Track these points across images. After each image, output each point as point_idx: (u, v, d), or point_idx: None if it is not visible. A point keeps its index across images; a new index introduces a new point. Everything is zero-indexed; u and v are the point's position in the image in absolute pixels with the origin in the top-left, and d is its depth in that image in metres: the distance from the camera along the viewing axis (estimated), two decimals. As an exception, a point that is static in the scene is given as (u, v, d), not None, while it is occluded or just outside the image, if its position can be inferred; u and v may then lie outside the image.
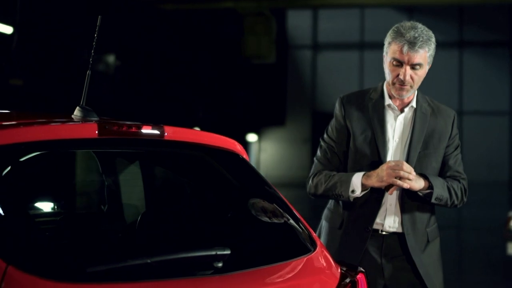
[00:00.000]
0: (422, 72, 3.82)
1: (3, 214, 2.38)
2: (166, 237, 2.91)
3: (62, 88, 16.91)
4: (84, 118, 3.00)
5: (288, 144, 29.02)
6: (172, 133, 2.94)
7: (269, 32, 25.79)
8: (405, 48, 3.73)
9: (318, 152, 4.03)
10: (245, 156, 3.28)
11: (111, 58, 21.68)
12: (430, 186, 3.82)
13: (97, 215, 3.62)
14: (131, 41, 20.86)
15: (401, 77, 3.76)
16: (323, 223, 4.08)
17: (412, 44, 3.73)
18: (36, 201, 2.78)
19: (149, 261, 2.44)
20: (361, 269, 3.14)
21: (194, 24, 23.03)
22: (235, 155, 3.21)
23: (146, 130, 2.86)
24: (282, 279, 2.78)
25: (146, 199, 3.91)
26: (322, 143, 4.03)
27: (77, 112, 3.05)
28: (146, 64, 21.31)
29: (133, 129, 2.82)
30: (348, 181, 3.81)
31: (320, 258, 2.99)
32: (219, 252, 2.62)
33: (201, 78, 23.35)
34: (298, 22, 29.19)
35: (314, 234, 3.12)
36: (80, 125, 2.80)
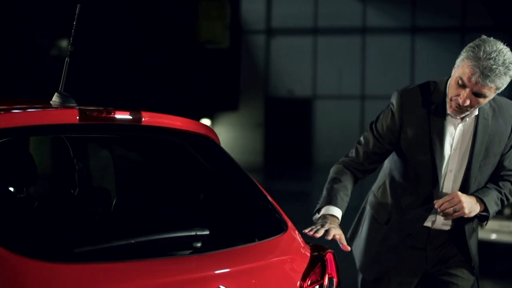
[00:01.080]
0: (485, 101, 3.55)
1: None
2: (143, 219, 3.01)
3: (11, 75, 16.79)
4: (63, 104, 3.08)
5: (242, 129, 29.12)
6: (149, 118, 3.04)
7: (224, 17, 25.86)
8: (474, 78, 3.43)
9: (362, 139, 3.81)
10: (217, 140, 3.39)
11: (64, 43, 21.57)
12: (485, 209, 3.70)
13: (70, 198, 3.70)
14: (85, 26, 20.76)
15: (459, 100, 3.52)
16: (367, 209, 4.02)
17: (484, 76, 3.42)
18: (13, 185, 2.86)
19: (133, 241, 2.55)
20: (330, 249, 3.27)
21: (148, 9, 22.96)
22: (208, 140, 3.32)
23: (125, 116, 2.96)
24: (256, 258, 2.91)
25: (117, 183, 4.01)
26: (368, 133, 3.81)
27: (55, 98, 3.13)
28: (100, 48, 21.22)
29: (112, 115, 2.92)
30: (325, 203, 3.64)
31: (291, 238, 3.12)
32: (198, 233, 2.74)
33: (155, 63, 23.30)
34: (252, 7, 29.23)
35: (285, 215, 3.24)
36: (61, 111, 2.88)
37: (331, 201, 3.62)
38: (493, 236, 9.90)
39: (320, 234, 3.29)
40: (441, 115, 3.67)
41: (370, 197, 4.02)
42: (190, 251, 2.74)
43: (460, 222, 3.80)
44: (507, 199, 3.81)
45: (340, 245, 3.33)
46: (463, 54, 3.51)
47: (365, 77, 29.26)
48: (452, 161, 3.71)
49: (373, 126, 3.80)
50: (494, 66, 3.41)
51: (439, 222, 3.80)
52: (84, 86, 20.09)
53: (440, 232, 3.83)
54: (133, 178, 3.81)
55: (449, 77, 3.66)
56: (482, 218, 3.80)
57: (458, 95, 3.52)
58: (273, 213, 3.19)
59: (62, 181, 4.01)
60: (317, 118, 29.71)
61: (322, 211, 3.59)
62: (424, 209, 3.77)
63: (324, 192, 3.71)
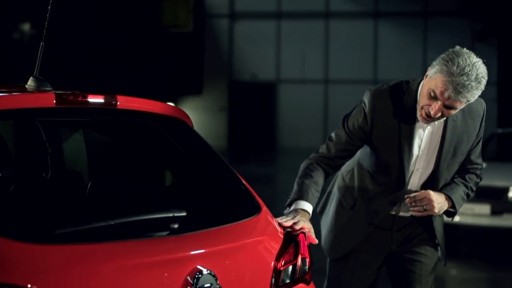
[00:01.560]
0: (455, 111, 3.61)
1: None
2: (119, 201, 3.05)
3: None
4: (38, 88, 3.10)
5: (205, 113, 29.12)
6: (123, 102, 3.07)
7: (187, 1, 25.77)
8: (447, 93, 3.47)
9: (333, 136, 3.87)
10: (190, 123, 3.43)
11: (26, 26, 21.38)
12: (453, 206, 3.83)
13: (43, 182, 3.73)
14: (46, 9, 20.61)
15: (431, 111, 3.56)
16: (335, 190, 4.12)
17: (457, 92, 3.45)
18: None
19: (112, 223, 2.60)
20: (302, 230, 3.33)
21: (112, -8, 22.84)
22: (181, 122, 3.36)
23: (100, 100, 2.99)
24: (231, 239, 2.97)
25: (89, 167, 4.04)
26: (340, 130, 3.87)
27: (30, 82, 3.15)
28: (62, 32, 21.07)
29: (88, 99, 2.95)
30: (297, 197, 3.67)
31: (265, 220, 3.18)
32: (176, 214, 2.80)
33: (119, 47, 23.19)
34: (215, -10, 29.22)
35: (258, 197, 3.30)
36: (38, 95, 2.91)
37: (302, 196, 3.65)
38: (457, 219, 10.04)
39: (289, 224, 3.32)
40: (411, 119, 3.73)
41: (339, 179, 4.11)
42: (167, 232, 2.79)
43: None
44: (472, 191, 3.94)
45: (307, 239, 3.34)
46: (436, 67, 3.52)
47: (328, 62, 29.38)
48: (420, 161, 3.81)
49: (345, 123, 3.86)
50: (467, 82, 3.43)
51: (403, 211, 3.93)
52: (49, 69, 19.99)
53: (404, 218, 3.96)
54: (107, 162, 3.84)
55: (421, 79, 3.71)
56: (449, 214, 3.90)
57: (430, 105, 3.56)
58: (246, 195, 3.25)
59: (34, 165, 4.02)
60: (281, 102, 29.80)
61: (293, 206, 3.63)
62: (389, 201, 3.89)
63: (295, 187, 3.73)
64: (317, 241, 3.41)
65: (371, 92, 3.79)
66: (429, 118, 3.62)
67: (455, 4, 27.33)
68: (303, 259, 3.23)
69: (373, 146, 3.84)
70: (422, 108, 3.62)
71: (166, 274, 2.62)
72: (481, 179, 4.00)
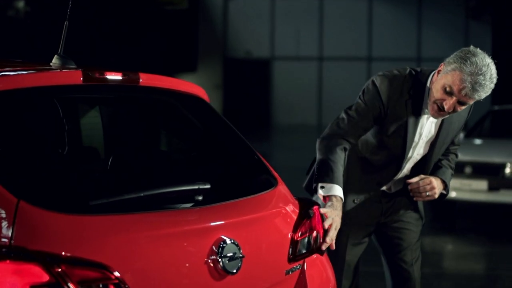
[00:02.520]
0: (463, 107, 3.79)
1: (10, 154, 2.62)
2: (142, 175, 3.17)
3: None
4: (63, 66, 3.21)
5: (200, 90, 29.13)
6: (146, 79, 3.19)
7: (182, -23, 25.74)
8: (464, 91, 3.64)
9: (344, 115, 3.95)
10: (207, 100, 3.55)
11: (20, 4, 21.37)
12: (445, 188, 4.07)
13: (63, 157, 3.85)
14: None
15: (445, 106, 3.73)
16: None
17: (474, 90, 3.63)
18: (24, 143, 2.99)
19: (142, 195, 2.72)
20: (316, 202, 3.47)
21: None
22: (199, 100, 3.48)
23: (124, 77, 3.10)
24: (252, 211, 3.10)
25: (105, 142, 4.16)
26: (353, 110, 3.94)
27: (55, 60, 3.26)
28: (56, 10, 21.07)
29: (113, 76, 3.06)
30: (332, 180, 3.72)
31: (282, 193, 3.31)
32: (201, 186, 2.92)
33: (114, 24, 23.19)
34: (210, -33, 29.20)
35: (275, 172, 3.43)
36: (66, 73, 3.02)
37: (334, 179, 3.74)
38: (454, 194, 10.20)
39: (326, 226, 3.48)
40: (418, 107, 3.91)
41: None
42: (192, 204, 2.92)
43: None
44: (454, 171, 4.23)
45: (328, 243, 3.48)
46: (453, 65, 3.68)
47: (322, 39, 29.45)
48: (419, 148, 4.04)
49: (361, 99, 3.96)
50: (483, 82, 3.62)
51: (393, 187, 4.18)
52: (40, 47, 19.98)
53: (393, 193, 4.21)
54: (126, 137, 3.96)
55: (432, 70, 3.88)
56: (441, 196, 4.15)
57: (444, 100, 3.72)
58: (263, 169, 3.37)
59: (52, 141, 4.14)
60: (275, 79, 29.89)
61: (331, 191, 3.71)
62: (376, 181, 4.10)
63: (324, 166, 3.79)
64: (334, 247, 3.53)
65: (386, 76, 3.93)
66: (441, 112, 3.79)
67: (449, -18, 27.45)
68: (317, 231, 3.37)
69: (380, 130, 3.99)
70: (434, 102, 3.78)
71: (193, 244, 2.75)
72: (457, 157, 4.29)
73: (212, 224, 2.85)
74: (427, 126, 3.98)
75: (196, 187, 2.93)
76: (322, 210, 3.48)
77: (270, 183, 3.31)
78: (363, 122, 3.92)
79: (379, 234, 4.30)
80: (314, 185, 3.76)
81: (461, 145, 11.05)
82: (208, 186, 2.95)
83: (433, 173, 4.12)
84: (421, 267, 4.32)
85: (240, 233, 2.90)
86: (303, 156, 4.25)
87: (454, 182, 10.19)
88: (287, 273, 3.17)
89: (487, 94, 3.68)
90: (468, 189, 10.20)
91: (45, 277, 2.36)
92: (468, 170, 10.24)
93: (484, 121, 11.93)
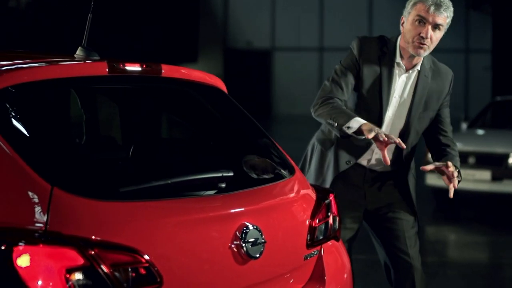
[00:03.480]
0: (439, 35, 4.12)
1: (44, 143, 2.72)
2: (164, 163, 3.26)
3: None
4: (87, 57, 3.30)
5: (201, 81, 29.19)
6: (167, 70, 3.28)
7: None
8: (432, 8, 4.02)
9: (326, 82, 4.23)
10: (225, 90, 3.65)
11: (21, -6, 21.42)
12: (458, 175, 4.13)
13: (84, 145, 3.94)
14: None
15: (423, 34, 4.05)
16: (315, 144, 4.43)
17: (438, 6, 4.04)
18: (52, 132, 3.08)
19: (169, 182, 2.82)
20: (331, 190, 3.58)
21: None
22: (218, 90, 3.58)
23: (147, 68, 3.19)
24: (271, 198, 3.21)
25: (122, 132, 4.25)
26: (332, 74, 4.24)
27: (79, 52, 3.36)
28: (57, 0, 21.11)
29: (136, 67, 3.15)
30: (350, 117, 3.98)
31: (299, 180, 3.41)
32: (224, 174, 3.03)
33: (114, 14, 23.22)
34: (210, -43, 29.24)
35: (292, 161, 3.53)
36: (92, 64, 3.11)
37: (350, 116, 4.00)
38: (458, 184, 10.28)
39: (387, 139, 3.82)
40: (391, 63, 4.22)
41: (318, 134, 4.46)
42: (215, 191, 3.02)
43: (396, 164, 4.29)
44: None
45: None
46: (411, 3, 4.13)
47: (323, 29, 29.51)
48: (396, 110, 4.24)
49: (335, 69, 4.27)
50: (441, 0, 4.07)
51: (373, 162, 4.31)
52: (41, 37, 20.04)
53: (375, 173, 4.34)
54: (144, 126, 4.05)
55: (399, 34, 4.23)
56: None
57: (419, 32, 4.08)
58: (281, 158, 3.47)
59: (71, 130, 4.24)
60: (276, 69, 29.96)
61: (356, 124, 3.94)
62: (365, 143, 4.22)
63: (334, 114, 4.04)
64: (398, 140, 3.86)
65: (359, 38, 4.30)
66: (422, 45, 4.10)
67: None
68: (334, 217, 3.48)
69: (358, 87, 4.24)
70: (413, 41, 4.12)
71: (217, 229, 2.85)
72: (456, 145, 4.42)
73: (235, 210, 2.95)
74: (399, 84, 4.24)
75: (220, 174, 3.04)
76: (370, 136, 3.81)
77: (288, 171, 3.41)
78: (343, 79, 4.19)
79: (372, 225, 4.43)
80: (340, 134, 4.00)
81: (464, 136, 11.19)
82: (231, 174, 3.06)
83: (441, 159, 4.21)
84: (426, 256, 4.41)
85: (262, 219, 3.00)
86: (304, 147, 4.38)
87: (457, 172, 10.30)
88: (306, 258, 3.27)
89: (450, 13, 4.08)
90: (471, 179, 10.29)
91: (80, 261, 2.46)
92: (471, 160, 10.34)
93: (486, 112, 12.02)
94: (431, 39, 4.08)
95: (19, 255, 2.43)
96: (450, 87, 4.36)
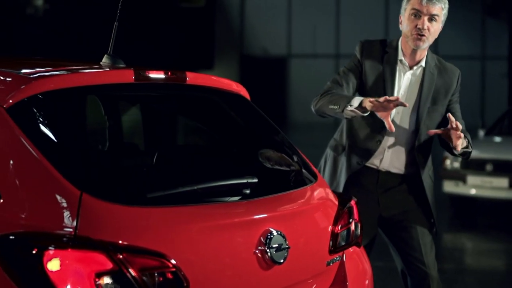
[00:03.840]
0: (437, 27, 4.22)
1: (72, 149, 2.77)
2: (188, 169, 3.30)
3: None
4: (113, 65, 3.35)
5: (217, 88, 29.25)
6: (192, 78, 3.33)
7: (199, -25, 25.86)
8: (425, 0, 4.16)
9: (328, 82, 4.38)
10: (249, 98, 3.69)
11: (39, 2, 21.58)
12: (468, 145, 4.23)
13: (108, 152, 4.00)
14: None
15: (419, 26, 4.17)
16: (328, 151, 4.53)
17: None
18: (79, 138, 3.13)
19: (196, 188, 2.87)
20: (353, 197, 3.61)
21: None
22: (242, 98, 3.62)
23: (172, 75, 3.24)
24: (294, 204, 3.25)
25: (144, 138, 4.31)
26: (335, 75, 4.39)
27: (105, 60, 3.41)
28: (74, 7, 21.24)
29: (162, 75, 3.20)
30: (350, 98, 4.11)
31: (322, 187, 3.45)
32: (249, 180, 3.07)
33: (130, 21, 23.33)
34: (226, -35, 29.33)
35: (314, 167, 3.57)
36: (119, 71, 3.16)
37: (349, 98, 4.13)
38: (475, 192, 10.30)
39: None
40: (393, 61, 4.33)
41: (331, 143, 4.54)
42: (240, 197, 3.06)
43: (410, 167, 4.34)
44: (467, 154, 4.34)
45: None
46: (404, 1, 4.27)
47: (339, 36, 29.54)
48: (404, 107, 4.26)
49: (338, 71, 4.41)
50: None
51: (386, 162, 4.34)
52: (62, 42, 20.17)
53: (388, 176, 4.36)
54: (166, 133, 4.10)
55: (400, 37, 4.37)
56: (466, 154, 4.31)
57: (416, 24, 4.19)
58: (304, 164, 3.51)
59: (94, 136, 4.29)
60: (292, 76, 30.02)
61: (356, 102, 4.07)
62: (375, 142, 4.30)
63: (335, 97, 4.19)
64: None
65: (361, 41, 4.43)
66: (421, 36, 4.20)
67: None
68: (356, 224, 3.51)
69: (362, 87, 4.35)
70: (411, 34, 4.23)
71: (242, 235, 2.89)
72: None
73: (259, 216, 2.99)
74: (405, 81, 4.32)
75: (245, 181, 3.08)
76: (368, 107, 3.97)
77: (311, 178, 3.44)
78: (344, 78, 4.33)
79: (388, 234, 4.46)
80: (345, 116, 4.12)
81: (482, 143, 11.20)
82: (255, 180, 3.10)
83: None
84: (443, 263, 4.44)
85: (286, 225, 3.04)
86: (320, 154, 4.45)
87: (475, 180, 10.31)
88: (328, 264, 3.31)
89: (446, 6, 4.20)
90: (489, 187, 10.30)
91: (109, 265, 2.51)
92: (489, 167, 10.35)
93: (503, 119, 12.02)
94: (428, 30, 4.19)
95: (50, 259, 2.48)
96: (457, 83, 4.42)
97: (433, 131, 4.17)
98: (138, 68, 3.19)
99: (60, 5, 21.42)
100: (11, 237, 2.55)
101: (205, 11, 27.57)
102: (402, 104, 3.96)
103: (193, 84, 3.37)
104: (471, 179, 10.41)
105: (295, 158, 3.51)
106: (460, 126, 4.05)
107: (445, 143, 4.25)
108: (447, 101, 4.37)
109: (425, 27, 4.18)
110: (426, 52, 4.34)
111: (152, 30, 24.67)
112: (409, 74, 4.33)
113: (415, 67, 4.33)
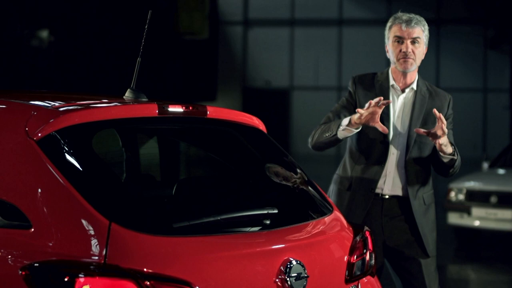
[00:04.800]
0: (420, 49, 4.50)
1: (100, 180, 2.87)
2: (208, 200, 3.39)
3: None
4: (136, 99, 3.47)
5: (219, 119, 29.29)
6: (212, 111, 3.44)
7: (203, 8, 26.07)
8: (404, 26, 4.45)
9: (330, 112, 4.64)
10: (265, 131, 3.80)
11: (44, 33, 21.74)
12: (454, 153, 4.42)
13: (131, 183, 4.09)
14: (64, 16, 20.97)
15: (403, 50, 4.43)
16: (332, 187, 4.67)
17: (409, 21, 4.47)
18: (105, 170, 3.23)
19: (219, 218, 2.97)
20: (367, 227, 3.71)
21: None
22: (259, 131, 3.73)
23: (194, 109, 3.35)
24: (312, 234, 3.34)
25: (161, 170, 4.40)
26: (328, 113, 4.63)
27: (128, 94, 3.52)
28: (79, 39, 21.42)
29: (184, 109, 3.31)
30: (338, 121, 4.41)
31: (338, 218, 3.55)
32: (269, 211, 3.17)
33: (134, 53, 23.49)
34: (229, -3, 29.53)
35: (329, 198, 3.67)
36: (143, 105, 3.28)
37: (337, 122, 4.44)
38: (480, 223, 10.38)
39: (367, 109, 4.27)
40: (385, 87, 4.57)
41: (334, 178, 4.70)
42: (260, 227, 3.16)
43: (407, 189, 4.51)
44: (457, 165, 4.51)
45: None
46: (387, 28, 4.53)
47: (341, 69, 29.70)
48: (396, 128, 4.51)
49: (334, 106, 4.66)
50: (411, 16, 4.51)
51: (389, 185, 4.51)
52: (64, 76, 20.32)
53: (392, 203, 4.51)
54: (176, 166, 4.20)
55: (389, 67, 4.62)
56: (450, 162, 4.47)
57: (400, 50, 4.45)
58: (320, 195, 3.61)
59: (112, 168, 4.38)
60: (294, 109, 30.11)
61: (344, 123, 4.37)
62: (379, 167, 4.49)
63: (326, 126, 4.49)
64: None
65: (353, 76, 4.70)
66: (406, 58, 4.45)
67: (467, 12, 27.59)
68: (370, 254, 3.60)
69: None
70: (398, 59, 4.48)
71: (263, 264, 2.98)
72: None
73: (279, 246, 3.08)
74: (399, 104, 4.55)
75: (265, 211, 3.18)
76: (357, 120, 4.27)
77: (327, 209, 3.54)
78: (337, 111, 4.59)
79: (392, 264, 4.59)
80: (340, 137, 4.39)
81: (486, 175, 11.25)
82: (276, 211, 3.20)
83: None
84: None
85: (304, 254, 3.13)
86: (321, 185, 4.58)
87: (479, 212, 10.40)
88: (344, 293, 3.39)
89: (424, 25, 4.49)
90: (493, 219, 10.38)
91: (137, 293, 2.60)
92: (493, 199, 10.44)
93: (507, 152, 12.12)
94: (413, 52, 4.45)
95: (81, 287, 2.57)
96: (448, 107, 4.62)
97: (421, 130, 4.33)
98: (161, 102, 3.30)
99: (65, 37, 21.59)
100: (43, 264, 2.65)
101: (209, 43, 27.75)
102: (387, 102, 4.24)
103: (213, 118, 3.47)
104: (476, 211, 10.49)
105: (312, 190, 3.61)
106: (444, 119, 4.23)
107: (436, 160, 4.46)
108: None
109: (409, 50, 4.43)
110: (417, 76, 4.57)
111: (155, 61, 24.83)
112: (401, 97, 4.55)
113: (406, 90, 4.55)
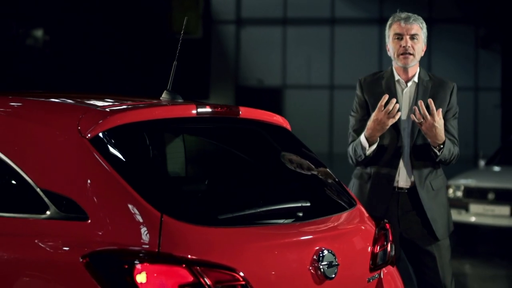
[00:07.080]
0: (419, 45, 4.76)
1: (151, 175, 3.12)
2: (246, 194, 3.61)
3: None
4: (173, 101, 3.70)
5: (212, 118, 29.42)
6: (244, 112, 3.68)
7: (196, 7, 26.24)
8: (402, 22, 4.73)
9: (349, 125, 4.89)
10: (290, 129, 4.04)
11: (39, 33, 21.89)
12: (443, 144, 4.66)
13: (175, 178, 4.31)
14: (59, 15, 21.13)
15: (403, 45, 4.71)
16: (354, 181, 4.92)
17: (407, 18, 4.74)
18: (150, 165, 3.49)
19: (259, 211, 3.22)
20: (386, 220, 3.96)
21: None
22: (285, 130, 3.98)
23: (228, 110, 3.60)
24: (341, 226, 3.61)
25: (186, 168, 4.63)
26: (350, 117, 4.90)
27: (165, 95, 3.76)
28: (74, 38, 21.56)
29: (219, 109, 3.55)
30: (359, 143, 4.69)
31: (361, 211, 3.80)
32: (303, 204, 3.42)
33: (129, 53, 23.63)
34: (222, -3, 29.68)
35: (351, 192, 3.92)
36: (182, 106, 3.52)
37: (359, 137, 4.72)
38: (477, 219, 10.63)
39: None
40: (391, 83, 4.80)
41: (355, 172, 4.93)
42: (293, 219, 3.41)
43: (415, 178, 4.76)
44: (452, 156, 4.78)
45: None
46: (387, 27, 4.79)
47: (334, 67, 29.90)
48: (403, 119, 4.76)
49: (351, 113, 4.90)
50: (410, 14, 4.77)
51: (403, 176, 4.75)
52: (59, 75, 20.46)
53: (407, 197, 4.75)
54: (200, 164, 4.43)
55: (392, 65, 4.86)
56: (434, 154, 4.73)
57: (400, 45, 4.70)
58: (343, 191, 3.86)
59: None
60: (287, 107, 30.27)
61: (363, 142, 4.69)
62: (395, 159, 4.74)
63: (354, 144, 4.78)
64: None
65: (359, 78, 4.93)
66: (406, 54, 4.70)
67: (459, 11, 27.84)
68: (391, 245, 3.85)
69: (369, 115, 4.75)
70: (398, 54, 4.73)
71: (299, 252, 3.24)
72: (457, 154, 4.84)
73: (312, 236, 3.34)
74: (404, 97, 4.78)
75: (299, 205, 3.43)
76: (372, 136, 4.63)
77: (351, 203, 3.79)
78: (360, 113, 4.84)
79: (408, 255, 4.84)
80: (370, 153, 4.68)
81: (483, 172, 11.48)
82: (308, 204, 3.45)
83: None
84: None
85: (334, 244, 3.38)
86: None
87: (477, 208, 10.65)
88: (369, 280, 3.65)
89: (422, 23, 4.74)
90: (491, 215, 10.64)
91: (190, 278, 2.84)
92: (491, 196, 10.69)
93: (505, 149, 12.38)
94: (413, 48, 4.70)
95: (139, 273, 2.81)
96: (451, 95, 4.82)
97: (412, 115, 4.58)
98: (199, 102, 3.54)
99: (59, 36, 21.74)
100: (102, 253, 2.88)
101: (202, 42, 27.89)
102: (396, 108, 4.54)
103: (245, 118, 3.71)
104: (474, 207, 10.74)
105: (336, 185, 3.85)
106: (424, 109, 4.53)
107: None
108: (443, 112, 4.73)
109: (409, 44, 4.68)
110: (418, 69, 4.81)
111: (148, 60, 24.98)
112: (407, 90, 4.79)
113: (409, 84, 4.78)
